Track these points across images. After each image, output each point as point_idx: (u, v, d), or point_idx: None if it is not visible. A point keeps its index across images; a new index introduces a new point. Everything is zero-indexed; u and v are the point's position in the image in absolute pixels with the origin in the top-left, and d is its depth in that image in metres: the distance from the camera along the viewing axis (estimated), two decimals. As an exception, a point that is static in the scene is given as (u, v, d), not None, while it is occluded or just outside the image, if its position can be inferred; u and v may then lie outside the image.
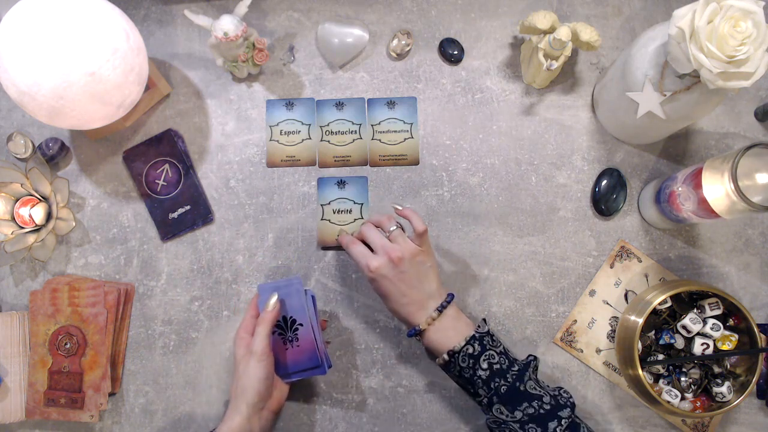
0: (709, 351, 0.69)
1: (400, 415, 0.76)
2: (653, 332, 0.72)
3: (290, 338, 0.68)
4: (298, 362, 0.68)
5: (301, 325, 0.68)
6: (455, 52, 0.81)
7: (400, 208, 0.69)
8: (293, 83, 0.82)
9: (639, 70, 0.65)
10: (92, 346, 0.75)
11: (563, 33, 0.71)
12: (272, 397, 0.67)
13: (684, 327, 0.69)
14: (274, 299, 0.67)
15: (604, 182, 0.77)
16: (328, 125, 0.81)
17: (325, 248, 0.78)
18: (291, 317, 0.68)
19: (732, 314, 0.70)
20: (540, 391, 0.63)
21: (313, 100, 0.81)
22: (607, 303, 0.77)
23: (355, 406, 0.76)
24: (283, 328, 0.69)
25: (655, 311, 0.70)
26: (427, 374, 0.76)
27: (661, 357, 0.71)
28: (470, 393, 0.67)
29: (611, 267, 0.77)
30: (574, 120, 0.80)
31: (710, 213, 0.64)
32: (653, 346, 0.71)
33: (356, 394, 0.76)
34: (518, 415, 0.62)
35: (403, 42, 0.81)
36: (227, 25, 0.73)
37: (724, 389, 0.68)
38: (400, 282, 0.66)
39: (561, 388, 0.65)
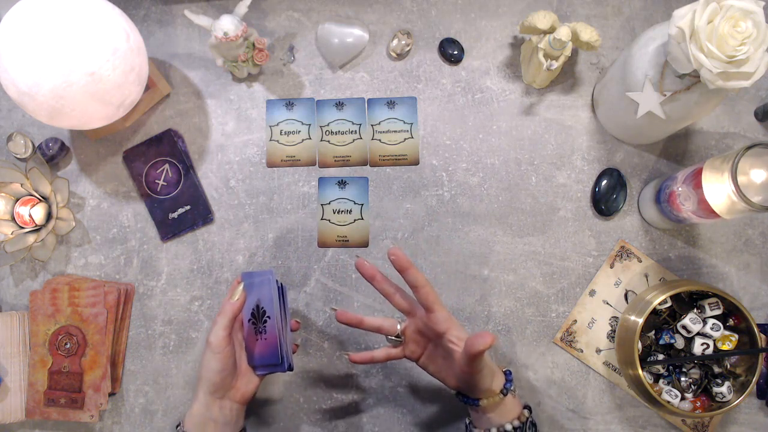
0: (709, 351, 0.69)
1: (400, 415, 0.76)
2: (653, 332, 0.71)
3: (260, 329, 0.67)
4: (264, 356, 0.67)
5: (269, 318, 0.67)
6: (455, 52, 0.81)
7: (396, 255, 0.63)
8: (293, 83, 0.82)
9: (639, 70, 0.65)
10: (92, 346, 0.75)
11: (563, 33, 0.71)
12: (235, 388, 0.65)
13: (684, 327, 0.69)
14: (239, 290, 0.64)
15: (604, 182, 0.77)
16: (328, 125, 0.81)
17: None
18: (262, 308, 0.67)
19: (732, 314, 0.70)
20: None
21: (313, 100, 0.81)
22: (607, 303, 0.77)
23: (355, 406, 0.76)
24: (256, 317, 0.67)
25: (655, 311, 0.70)
26: (428, 374, 0.76)
27: (661, 357, 0.71)
28: None
29: (611, 267, 0.77)
30: (574, 120, 0.80)
31: (710, 213, 0.64)
32: (653, 346, 0.71)
33: (356, 394, 0.76)
34: None
35: (403, 42, 0.81)
36: (227, 25, 0.73)
37: (724, 389, 0.68)
38: None
39: None
